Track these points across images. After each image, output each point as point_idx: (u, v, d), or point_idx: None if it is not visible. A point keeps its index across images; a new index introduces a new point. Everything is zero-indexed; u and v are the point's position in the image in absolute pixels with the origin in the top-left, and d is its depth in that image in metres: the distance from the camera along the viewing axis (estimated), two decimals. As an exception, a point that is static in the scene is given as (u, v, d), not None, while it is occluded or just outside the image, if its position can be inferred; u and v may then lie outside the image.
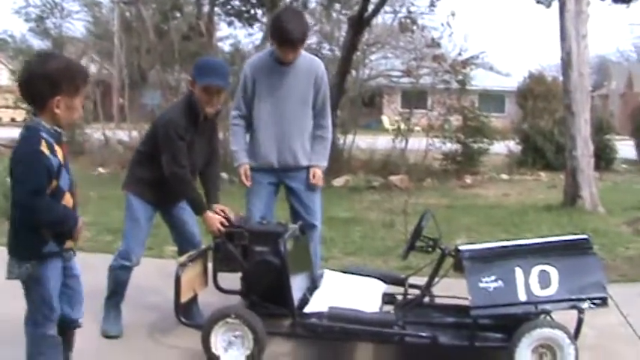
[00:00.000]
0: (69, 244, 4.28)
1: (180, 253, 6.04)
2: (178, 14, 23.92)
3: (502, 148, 23.11)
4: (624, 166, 24.04)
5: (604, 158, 22.29)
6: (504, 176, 20.53)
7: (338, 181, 17.33)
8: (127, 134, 23.07)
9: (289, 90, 6.45)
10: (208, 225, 5.79)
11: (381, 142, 21.61)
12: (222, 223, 5.71)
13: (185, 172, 5.79)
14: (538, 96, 26.27)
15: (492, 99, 45.92)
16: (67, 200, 4.15)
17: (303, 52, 6.50)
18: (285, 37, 6.18)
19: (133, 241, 6.00)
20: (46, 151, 3.94)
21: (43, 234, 4.05)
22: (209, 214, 5.78)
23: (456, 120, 21.38)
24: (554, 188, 16.31)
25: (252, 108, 6.50)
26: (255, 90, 6.44)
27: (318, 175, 6.58)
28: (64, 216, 4.11)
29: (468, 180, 18.91)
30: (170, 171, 5.75)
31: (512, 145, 23.59)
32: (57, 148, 4.03)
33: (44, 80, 3.96)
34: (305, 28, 6.52)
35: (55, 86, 3.96)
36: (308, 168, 6.59)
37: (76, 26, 32.28)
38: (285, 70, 6.41)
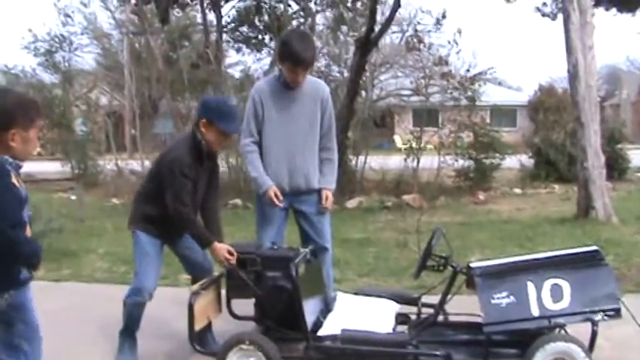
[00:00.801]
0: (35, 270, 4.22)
1: (194, 281, 6.05)
2: (187, 43, 24.08)
3: (515, 162, 23.07)
4: (638, 174, 23.96)
5: (617, 168, 22.27)
6: (517, 191, 20.48)
7: (351, 203, 17.33)
8: (140, 164, 23.16)
9: (297, 113, 6.46)
10: (216, 255, 5.80)
11: (393, 162, 21.61)
12: (229, 252, 5.73)
13: (188, 211, 5.80)
14: (549, 109, 26.29)
15: (504, 114, 45.87)
16: (28, 232, 4.10)
17: (307, 76, 6.56)
18: (297, 58, 6.19)
19: (145, 277, 5.98)
20: (16, 183, 3.95)
21: (18, 263, 4.02)
22: (216, 245, 5.77)
23: (467, 136, 21.39)
24: (568, 200, 16.29)
25: (261, 132, 6.50)
26: (265, 114, 6.44)
27: (330, 197, 6.60)
28: (38, 248, 4.05)
29: (481, 196, 18.87)
30: (173, 208, 5.75)
31: (525, 159, 23.54)
32: (19, 180, 4.03)
33: (5, 115, 3.97)
34: (314, 49, 6.57)
35: (10, 120, 3.95)
36: (319, 191, 6.60)
37: (86, 59, 32.53)
38: (292, 94, 6.43)
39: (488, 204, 17.87)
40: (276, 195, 6.36)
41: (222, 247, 5.75)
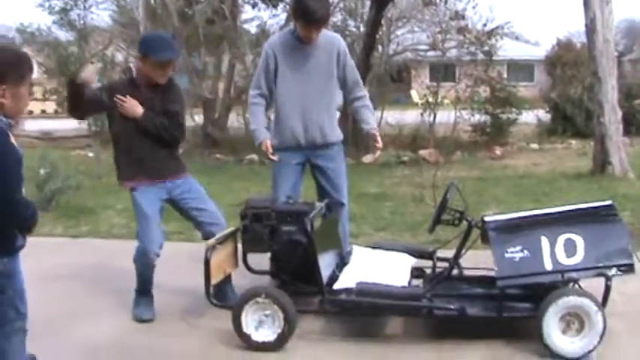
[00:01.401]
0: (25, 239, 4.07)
1: (206, 237, 6.09)
2: (202, -1, 23.98)
3: (532, 117, 23.01)
4: (656, 130, 23.84)
5: (634, 123, 22.13)
6: (534, 146, 20.44)
7: (368, 158, 17.32)
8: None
9: (313, 67, 6.46)
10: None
11: (410, 117, 21.58)
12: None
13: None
14: (567, 63, 26.12)
15: (521, 68, 45.66)
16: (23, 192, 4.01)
17: (322, 30, 6.55)
18: (310, 17, 6.18)
19: (147, 238, 6.01)
20: (14, 142, 3.85)
21: (14, 228, 3.92)
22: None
23: (483, 91, 21.33)
24: (585, 155, 16.24)
25: (274, 87, 6.51)
26: (278, 69, 6.45)
27: (378, 138, 6.63)
28: (36, 210, 3.97)
29: (498, 151, 18.84)
30: None
31: (542, 114, 23.45)
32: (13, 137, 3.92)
33: None
34: (328, 7, 6.56)
35: (0, 76, 3.84)
36: (335, 145, 6.64)
37: (101, 16, 32.47)
38: (307, 48, 6.43)
39: (504, 159, 17.86)
40: (268, 148, 6.38)
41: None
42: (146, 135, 6.01)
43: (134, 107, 5.90)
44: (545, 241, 5.20)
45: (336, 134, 6.67)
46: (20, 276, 4.03)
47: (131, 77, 6.11)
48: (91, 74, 5.90)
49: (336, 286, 5.53)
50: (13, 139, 3.83)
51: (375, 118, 6.76)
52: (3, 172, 3.76)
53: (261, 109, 6.58)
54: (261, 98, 6.55)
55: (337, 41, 6.65)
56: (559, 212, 5.48)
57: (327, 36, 6.64)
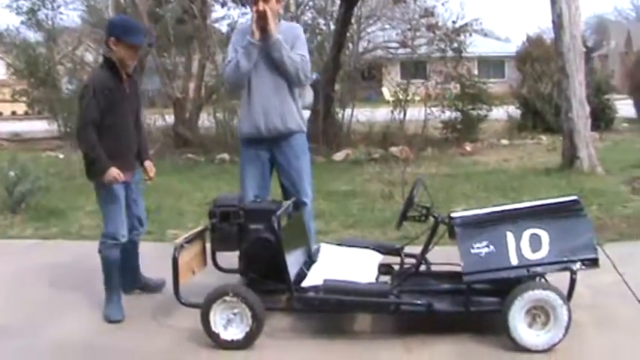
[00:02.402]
0: None
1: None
2: (172, -2, 23.92)
3: (502, 113, 23.12)
4: (625, 125, 24.06)
5: (604, 119, 22.38)
6: (505, 142, 20.50)
7: (338, 156, 17.36)
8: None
9: (271, 57, 6.49)
10: (106, 178, 6.00)
11: (381, 114, 21.64)
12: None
13: (91, 133, 5.98)
14: (536, 59, 26.14)
15: (492, 65, 45.97)
16: None
17: (282, 21, 6.65)
18: None
19: (118, 220, 6.12)
20: None
21: None
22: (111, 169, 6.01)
23: (454, 88, 21.42)
24: (554, 151, 16.30)
25: None
26: None
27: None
28: None
29: (468, 147, 18.89)
30: (77, 131, 6.15)
31: (512, 110, 23.57)
32: None
33: None
34: None
35: None
36: (297, 134, 6.67)
37: (71, 16, 32.28)
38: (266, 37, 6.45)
39: (474, 155, 17.91)
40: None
41: (113, 170, 5.99)
42: (133, 128, 6.29)
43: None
44: (510, 237, 5.25)
45: (297, 123, 6.67)
46: None
47: (113, 66, 6.11)
48: (113, 178, 6.02)
49: (304, 283, 5.56)
50: None
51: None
52: None
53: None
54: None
55: (296, 29, 6.78)
56: (525, 208, 5.53)
57: (286, 26, 6.76)
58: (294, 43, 6.54)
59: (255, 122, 6.51)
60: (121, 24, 6.37)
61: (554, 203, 5.53)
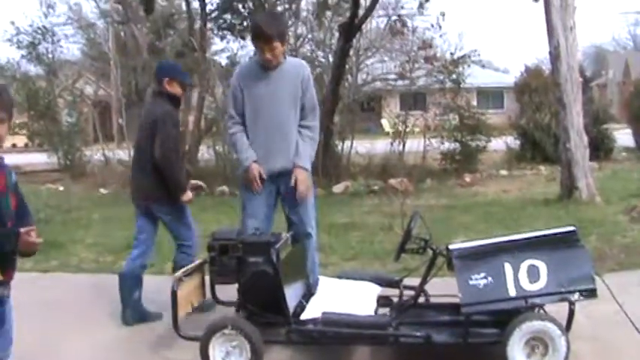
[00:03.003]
0: None
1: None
2: (171, 32, 24.05)
3: (501, 144, 23.17)
4: (624, 154, 24.06)
5: (602, 148, 22.39)
6: (504, 172, 20.53)
7: (338, 188, 17.39)
8: (127, 153, 23.19)
9: (277, 94, 6.49)
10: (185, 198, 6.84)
11: (380, 146, 21.68)
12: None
13: (177, 157, 6.81)
14: (535, 90, 26.23)
15: (490, 96, 46.06)
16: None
17: (288, 58, 6.65)
18: (258, 32, 6.31)
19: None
20: None
21: None
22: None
23: (453, 119, 21.47)
24: (554, 181, 16.32)
25: (243, 114, 6.55)
26: (244, 98, 6.50)
27: (302, 177, 6.53)
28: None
29: (468, 178, 18.92)
30: (162, 154, 6.68)
31: (511, 141, 23.61)
32: None
33: None
34: (280, 26, 6.60)
35: None
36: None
37: (71, 49, 32.41)
38: (271, 74, 6.48)
39: (474, 186, 17.94)
40: (260, 176, 6.46)
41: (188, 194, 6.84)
42: None
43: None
44: (508, 268, 5.26)
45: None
46: None
47: (172, 100, 6.96)
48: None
49: (303, 316, 5.57)
50: None
51: (310, 155, 6.69)
52: None
53: (242, 136, 6.57)
54: (237, 125, 6.59)
55: (302, 68, 6.71)
56: (522, 239, 5.54)
57: (292, 63, 6.74)
58: (306, 87, 6.58)
59: (260, 163, 6.50)
60: (172, 67, 7.51)
61: (552, 234, 5.54)
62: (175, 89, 6.93)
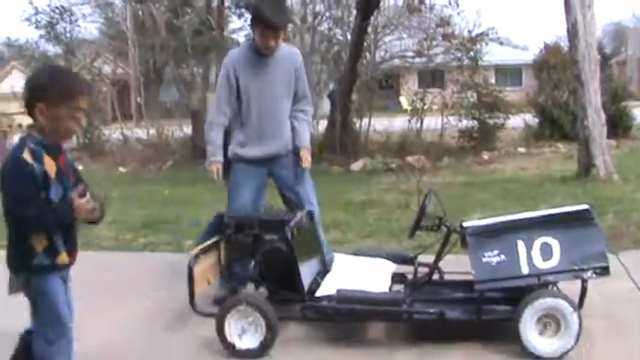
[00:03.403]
0: (63, 259, 4.05)
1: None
2: (189, 10, 24.05)
3: (519, 121, 23.11)
4: (643, 132, 23.96)
5: (621, 126, 22.30)
6: (522, 150, 20.53)
7: (356, 165, 17.43)
8: (146, 132, 23.30)
9: (273, 80, 6.54)
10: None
11: (398, 124, 21.68)
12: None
13: None
14: (554, 67, 26.16)
15: (509, 73, 45.96)
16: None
17: (282, 44, 6.62)
18: (267, 22, 6.30)
19: None
20: (29, 159, 3.79)
21: (32, 245, 3.88)
22: None
23: (471, 97, 21.45)
24: (571, 159, 16.27)
25: (235, 101, 6.57)
26: (239, 82, 6.51)
27: (308, 157, 6.65)
28: (57, 217, 3.91)
29: (485, 156, 18.93)
30: None
31: (529, 118, 23.55)
32: (47, 158, 3.87)
33: (31, 88, 3.89)
34: (287, 15, 6.68)
35: (37, 92, 3.85)
36: (294, 152, 6.70)
37: (88, 29, 32.49)
38: (266, 61, 6.51)
39: (492, 164, 17.95)
40: (218, 173, 6.53)
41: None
42: None
43: None
44: (521, 245, 5.29)
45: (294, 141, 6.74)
46: (55, 299, 4.03)
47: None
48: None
49: (318, 293, 5.62)
50: (29, 156, 3.80)
51: (309, 135, 6.83)
52: (7, 182, 3.79)
53: (220, 128, 6.60)
54: (221, 116, 6.60)
55: (296, 56, 6.76)
56: (536, 217, 5.57)
57: (287, 50, 6.76)
58: (299, 75, 6.66)
59: (252, 146, 6.58)
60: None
61: (566, 212, 5.55)
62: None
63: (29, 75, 4.06)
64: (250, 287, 6.13)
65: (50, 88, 3.85)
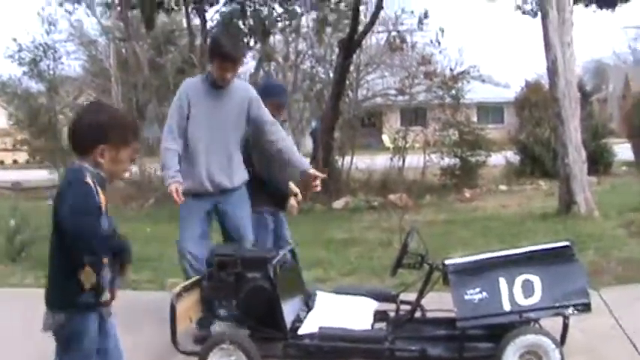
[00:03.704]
0: (107, 296, 4.04)
1: None
2: (172, 48, 24.14)
3: (501, 159, 23.20)
4: (624, 168, 24.09)
5: (602, 162, 22.44)
6: (503, 187, 20.58)
7: (338, 203, 17.43)
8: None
9: (225, 113, 6.63)
10: None
11: (380, 162, 21.71)
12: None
13: None
14: (535, 105, 26.29)
15: (491, 111, 46.19)
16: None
17: (236, 80, 6.77)
18: (225, 55, 6.43)
19: None
20: (91, 183, 3.78)
21: (80, 281, 3.85)
22: None
23: (452, 134, 21.53)
24: (552, 196, 16.31)
25: (186, 130, 6.61)
26: (191, 112, 6.56)
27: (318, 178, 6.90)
28: (112, 245, 3.94)
29: (467, 194, 18.98)
30: None
31: (511, 156, 23.65)
32: (100, 191, 3.86)
33: (91, 128, 3.86)
34: (244, 48, 6.81)
35: (99, 135, 3.83)
36: (240, 188, 6.80)
37: (72, 66, 32.51)
38: (220, 93, 6.60)
39: (474, 201, 17.98)
40: (177, 192, 6.37)
41: None
42: None
43: None
44: (503, 283, 5.32)
45: (243, 177, 6.84)
46: (88, 338, 3.98)
47: None
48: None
49: (300, 331, 5.62)
50: (90, 182, 3.80)
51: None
52: (70, 199, 3.74)
53: (175, 154, 6.58)
54: (174, 143, 6.61)
55: (249, 90, 6.87)
56: (517, 254, 5.62)
57: (241, 84, 6.95)
58: (258, 105, 6.74)
59: (199, 181, 6.62)
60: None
61: (547, 249, 5.61)
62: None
63: (84, 112, 4.04)
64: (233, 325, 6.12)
65: (113, 131, 3.87)
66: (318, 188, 6.86)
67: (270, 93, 7.20)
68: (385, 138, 29.81)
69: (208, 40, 6.79)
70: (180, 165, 6.56)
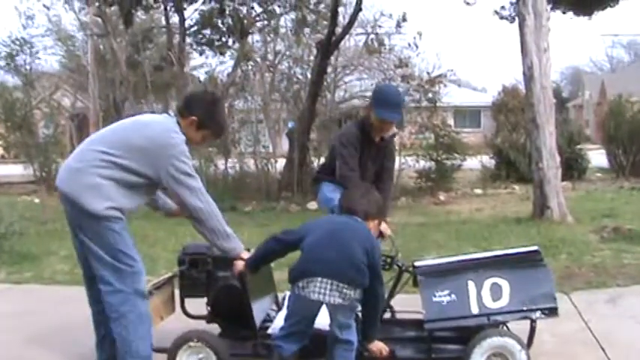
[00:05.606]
0: None
1: None
2: (150, 45, 24.10)
3: (477, 163, 23.29)
4: (598, 174, 24.21)
5: (576, 168, 22.57)
6: (478, 191, 20.66)
7: (313, 204, 17.42)
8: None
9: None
10: None
11: (357, 164, 21.70)
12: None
13: (353, 175, 6.36)
14: (511, 110, 26.54)
15: (468, 114, 46.35)
16: None
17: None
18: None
19: None
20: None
21: None
22: None
23: (429, 138, 21.59)
24: (527, 200, 16.38)
25: None
26: None
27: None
28: None
29: (442, 197, 19.06)
30: (340, 174, 6.44)
31: (486, 160, 23.75)
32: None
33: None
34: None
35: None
36: None
37: (49, 61, 32.41)
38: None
39: (448, 204, 18.06)
40: None
41: None
42: None
43: None
44: (472, 286, 5.36)
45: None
46: None
47: (362, 124, 6.62)
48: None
49: (270, 330, 5.64)
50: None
51: None
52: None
53: None
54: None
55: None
56: (486, 257, 5.68)
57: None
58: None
59: None
60: (377, 92, 7.04)
61: (515, 253, 5.67)
62: (373, 119, 6.46)
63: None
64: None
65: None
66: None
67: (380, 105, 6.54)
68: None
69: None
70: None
